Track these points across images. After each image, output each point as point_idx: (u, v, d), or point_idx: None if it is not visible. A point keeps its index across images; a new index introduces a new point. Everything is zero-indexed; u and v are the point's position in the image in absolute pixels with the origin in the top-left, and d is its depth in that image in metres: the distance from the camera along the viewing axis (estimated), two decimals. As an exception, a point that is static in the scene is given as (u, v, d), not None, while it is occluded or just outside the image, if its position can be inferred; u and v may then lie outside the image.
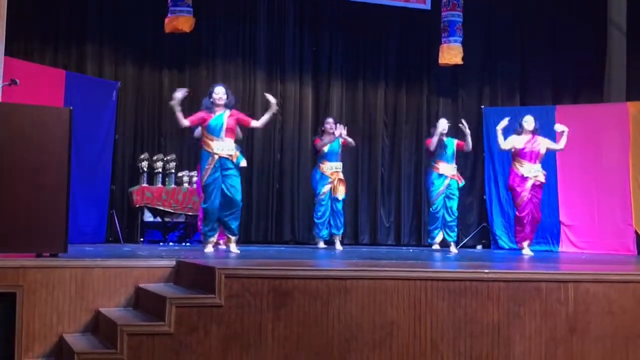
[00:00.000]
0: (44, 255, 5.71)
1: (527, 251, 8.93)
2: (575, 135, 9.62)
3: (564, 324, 5.23)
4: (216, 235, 7.97)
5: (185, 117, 7.85)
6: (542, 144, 9.03)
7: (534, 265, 6.77)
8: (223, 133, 7.82)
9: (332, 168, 9.80)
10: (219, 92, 7.95)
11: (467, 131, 9.83)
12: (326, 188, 9.77)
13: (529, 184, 8.87)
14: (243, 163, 7.95)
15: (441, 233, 9.95)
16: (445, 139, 9.88)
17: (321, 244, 9.80)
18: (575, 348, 5.23)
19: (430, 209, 10.00)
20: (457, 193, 9.95)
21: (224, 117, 7.86)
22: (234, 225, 7.88)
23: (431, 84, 12.15)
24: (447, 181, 9.83)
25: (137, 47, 10.83)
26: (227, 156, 7.78)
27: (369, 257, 7.35)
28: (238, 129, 8.18)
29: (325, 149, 9.79)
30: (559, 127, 9.11)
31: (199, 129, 8.19)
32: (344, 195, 9.88)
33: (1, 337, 5.21)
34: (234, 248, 7.90)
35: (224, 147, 7.79)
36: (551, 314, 5.21)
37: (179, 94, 7.80)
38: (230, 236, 7.95)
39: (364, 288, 4.95)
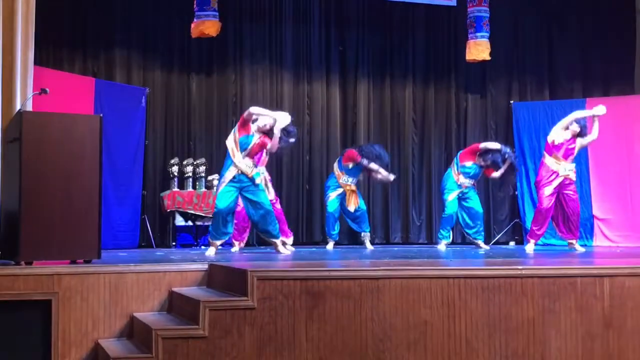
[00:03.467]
0: (78, 261, 5.76)
1: (530, 247, 8.70)
2: (607, 127, 9.49)
3: (600, 319, 5.17)
4: (223, 240, 8.09)
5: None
6: (577, 144, 8.77)
7: (568, 261, 6.71)
8: (247, 152, 7.90)
9: (347, 181, 9.96)
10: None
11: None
12: (334, 193, 9.95)
13: (557, 181, 8.68)
14: (258, 179, 8.06)
15: (451, 234, 10.09)
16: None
17: (330, 245, 9.95)
18: (611, 343, 5.18)
19: (444, 214, 10.00)
20: (476, 193, 9.99)
21: (253, 138, 7.94)
22: (271, 228, 8.03)
23: (459, 80, 12.08)
24: (461, 189, 9.85)
25: (165, 52, 10.89)
26: (246, 172, 7.89)
27: (401, 256, 7.33)
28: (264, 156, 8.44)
29: (350, 165, 9.94)
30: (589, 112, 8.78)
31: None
32: (357, 206, 10.00)
33: (38, 343, 5.28)
34: (282, 249, 8.16)
35: (243, 164, 7.90)
36: (587, 309, 5.16)
37: None
38: (273, 240, 8.12)
39: (397, 288, 4.93)
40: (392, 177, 10.17)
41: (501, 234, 11.69)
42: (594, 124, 8.66)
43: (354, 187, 10.03)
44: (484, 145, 9.87)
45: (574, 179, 8.81)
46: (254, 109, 7.98)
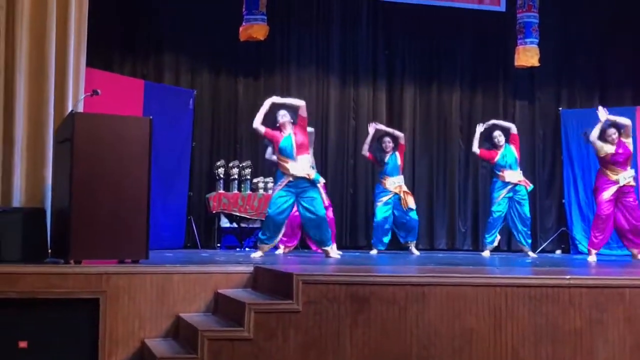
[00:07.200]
0: (126, 261, 5.83)
1: (592, 258, 8.56)
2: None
3: (649, 330, 5.09)
4: (272, 245, 8.00)
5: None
6: (628, 144, 8.64)
7: (616, 271, 6.61)
8: (294, 152, 7.82)
9: (395, 183, 9.69)
10: (280, 115, 8.00)
11: None
12: (385, 198, 9.68)
13: (615, 187, 8.52)
14: (321, 181, 8.07)
15: (497, 238, 9.82)
16: (502, 148, 9.76)
17: (374, 251, 9.77)
18: (661, 356, 5.09)
19: (490, 217, 9.81)
20: (527, 197, 9.74)
21: (291, 137, 7.89)
22: (324, 236, 7.96)
23: (507, 86, 11.98)
24: (509, 187, 9.62)
25: (213, 55, 10.99)
26: (305, 175, 7.82)
27: (446, 263, 7.29)
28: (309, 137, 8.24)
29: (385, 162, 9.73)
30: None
31: (270, 150, 8.42)
32: (414, 205, 9.79)
33: (86, 342, 5.35)
34: (333, 254, 8.01)
35: (299, 168, 7.80)
36: (635, 319, 5.08)
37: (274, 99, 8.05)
38: (325, 247, 8.03)
39: (442, 294, 4.91)
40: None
41: (547, 242, 11.55)
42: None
43: (405, 188, 9.79)
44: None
45: (634, 184, 8.65)
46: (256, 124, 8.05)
